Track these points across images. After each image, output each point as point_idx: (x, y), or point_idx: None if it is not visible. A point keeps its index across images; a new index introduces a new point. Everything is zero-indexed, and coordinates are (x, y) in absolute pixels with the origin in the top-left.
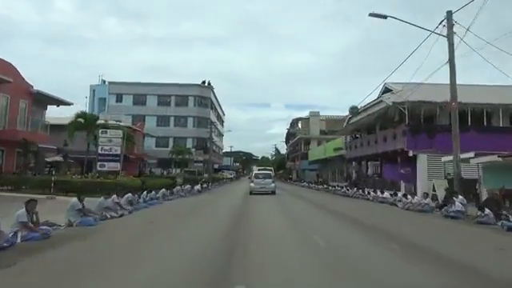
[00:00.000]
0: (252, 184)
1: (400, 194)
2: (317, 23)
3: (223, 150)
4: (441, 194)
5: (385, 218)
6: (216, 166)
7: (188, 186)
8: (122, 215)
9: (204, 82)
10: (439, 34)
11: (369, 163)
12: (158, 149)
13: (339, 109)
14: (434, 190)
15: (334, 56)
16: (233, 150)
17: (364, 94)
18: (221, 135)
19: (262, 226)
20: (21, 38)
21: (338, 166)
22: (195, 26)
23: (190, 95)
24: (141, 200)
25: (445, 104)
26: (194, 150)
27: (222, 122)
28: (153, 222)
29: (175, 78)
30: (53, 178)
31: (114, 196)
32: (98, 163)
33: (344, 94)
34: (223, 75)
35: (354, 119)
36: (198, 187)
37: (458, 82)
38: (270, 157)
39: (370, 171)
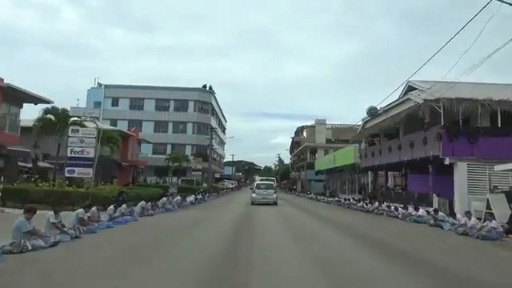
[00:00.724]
0: (254, 194)
1: (442, 213)
2: (320, 34)
3: (224, 159)
4: (498, 213)
5: (457, 256)
6: (217, 176)
7: (178, 198)
8: (55, 244)
9: (205, 86)
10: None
11: (389, 173)
12: (154, 156)
13: (345, 119)
14: (488, 207)
15: (338, 66)
16: (235, 159)
17: (370, 103)
18: (222, 143)
19: (265, 259)
20: (27, 46)
21: (349, 177)
22: (199, 37)
23: (189, 100)
24: (105, 217)
25: (488, 101)
26: (192, 157)
27: (224, 129)
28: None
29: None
30: (0, 186)
31: (51, 214)
32: (67, 168)
33: (349, 104)
34: (226, 85)
35: (372, 123)
36: (191, 199)
37: (496, 80)
38: (273, 166)
39: (390, 182)
